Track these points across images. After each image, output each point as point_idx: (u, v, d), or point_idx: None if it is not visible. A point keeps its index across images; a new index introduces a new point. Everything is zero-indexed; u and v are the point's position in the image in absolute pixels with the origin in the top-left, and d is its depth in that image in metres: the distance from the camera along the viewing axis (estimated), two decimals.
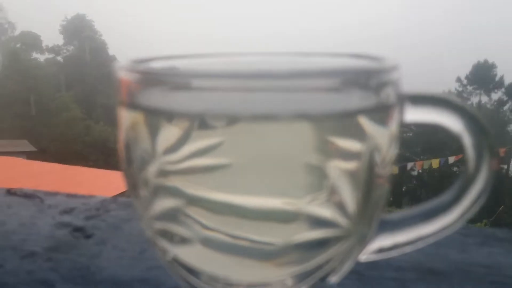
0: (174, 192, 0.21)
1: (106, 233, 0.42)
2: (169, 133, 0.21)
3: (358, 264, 0.36)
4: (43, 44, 29.35)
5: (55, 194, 0.52)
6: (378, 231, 0.26)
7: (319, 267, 0.22)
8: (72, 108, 24.55)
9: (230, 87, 0.21)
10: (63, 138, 24.30)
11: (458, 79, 27.66)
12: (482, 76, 26.59)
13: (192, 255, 0.22)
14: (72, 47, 29.48)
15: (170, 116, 0.21)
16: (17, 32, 30.05)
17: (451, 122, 0.25)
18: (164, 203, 0.21)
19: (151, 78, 0.23)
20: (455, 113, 0.25)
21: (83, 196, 0.51)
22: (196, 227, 0.21)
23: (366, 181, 0.22)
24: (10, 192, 0.53)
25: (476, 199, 0.25)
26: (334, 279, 0.24)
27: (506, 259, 0.37)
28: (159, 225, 0.22)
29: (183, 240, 0.22)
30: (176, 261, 0.24)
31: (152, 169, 0.22)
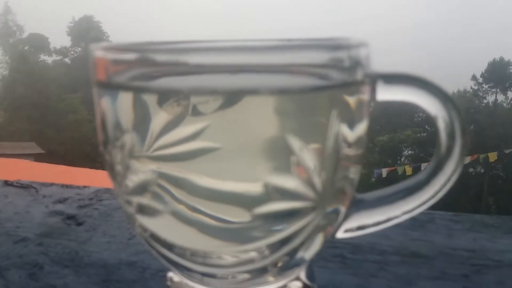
0: (146, 169, 0.22)
1: (97, 220, 0.43)
2: (141, 112, 0.22)
3: (342, 247, 0.36)
4: (51, 46, 29.56)
5: (50, 185, 0.53)
6: (354, 210, 0.27)
7: (288, 239, 0.23)
8: (80, 109, 24.69)
9: (209, 64, 0.22)
10: (70, 140, 24.45)
11: (474, 77, 27.21)
12: (498, 74, 26.10)
13: (165, 229, 0.23)
14: (79, 48, 29.66)
15: (146, 94, 0.22)
16: (25, 35, 30.28)
17: (424, 101, 0.25)
18: (137, 178, 0.22)
19: (127, 58, 0.23)
20: (429, 92, 0.25)
21: (77, 187, 0.52)
22: (167, 200, 0.22)
23: (333, 157, 0.22)
24: (7, 183, 0.54)
25: (449, 179, 0.26)
26: (306, 255, 0.25)
27: (490, 243, 0.37)
28: (133, 200, 0.23)
29: (156, 213, 0.22)
30: (153, 237, 0.24)
31: (127, 146, 0.22)
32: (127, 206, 0.24)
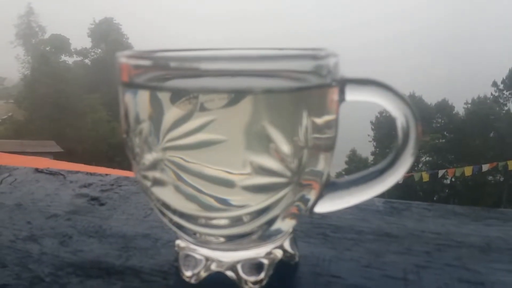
0: (157, 151, 0.28)
1: (117, 202, 0.49)
2: (155, 107, 0.28)
3: (326, 227, 0.42)
4: (72, 47, 30.06)
5: (76, 172, 0.60)
6: (328, 191, 0.33)
7: (267, 208, 0.29)
8: (99, 110, 25.07)
9: (214, 69, 0.28)
10: (89, 140, 24.82)
11: (494, 84, 26.77)
12: None
13: (173, 198, 0.29)
14: (99, 50, 30.12)
15: (158, 92, 0.28)
16: (47, 35, 30.85)
17: (386, 102, 0.31)
18: (150, 156, 0.28)
19: (145, 64, 0.29)
20: (389, 95, 0.31)
21: (100, 174, 0.59)
22: (173, 176, 0.28)
23: (304, 145, 0.28)
24: (37, 170, 0.61)
25: (404, 167, 0.32)
26: (283, 226, 0.31)
27: (456, 228, 0.43)
28: (148, 174, 0.29)
29: (165, 184, 0.29)
30: (164, 205, 0.30)
31: (144, 134, 0.29)
32: (143, 180, 0.30)
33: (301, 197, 0.30)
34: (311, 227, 0.42)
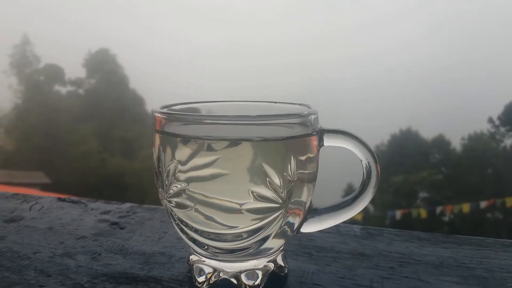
0: (181, 183, 0.37)
1: (135, 226, 0.58)
2: (180, 149, 0.37)
3: (311, 248, 0.51)
4: (66, 77, 30.26)
5: (95, 201, 0.68)
6: (311, 215, 0.42)
7: (261, 228, 0.38)
8: (90, 140, 25.10)
9: (214, 122, 0.38)
10: (79, 171, 24.70)
11: (490, 120, 27.02)
12: None
13: (192, 219, 0.38)
14: (94, 80, 30.36)
15: (181, 138, 0.38)
16: (41, 65, 31.09)
17: (354, 148, 0.41)
18: (176, 187, 0.38)
19: (171, 117, 0.39)
20: (356, 143, 0.41)
21: (116, 203, 0.67)
22: (192, 201, 0.37)
23: (292, 178, 0.37)
24: (60, 199, 0.70)
25: (369, 197, 0.41)
26: (273, 244, 0.40)
27: (418, 250, 0.52)
28: (173, 200, 0.38)
29: (186, 207, 0.38)
30: (183, 223, 0.39)
31: (171, 169, 0.38)
32: (169, 204, 0.39)
33: (287, 222, 0.39)
34: (299, 247, 0.51)
